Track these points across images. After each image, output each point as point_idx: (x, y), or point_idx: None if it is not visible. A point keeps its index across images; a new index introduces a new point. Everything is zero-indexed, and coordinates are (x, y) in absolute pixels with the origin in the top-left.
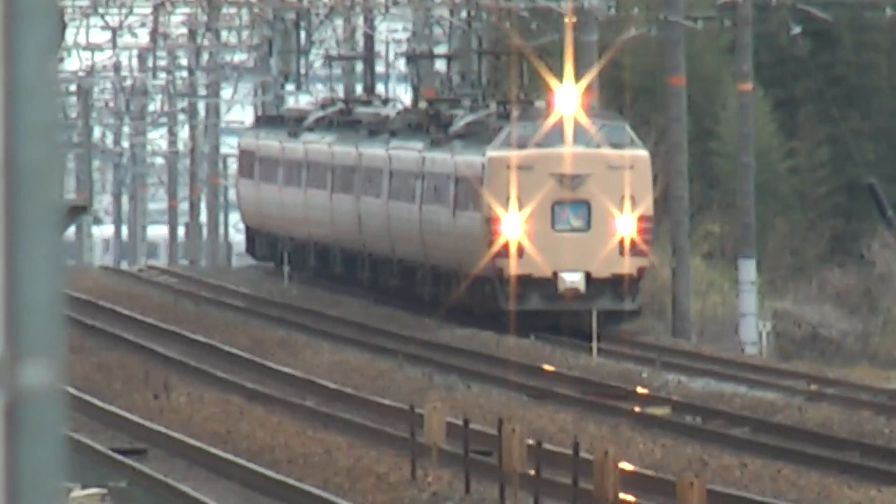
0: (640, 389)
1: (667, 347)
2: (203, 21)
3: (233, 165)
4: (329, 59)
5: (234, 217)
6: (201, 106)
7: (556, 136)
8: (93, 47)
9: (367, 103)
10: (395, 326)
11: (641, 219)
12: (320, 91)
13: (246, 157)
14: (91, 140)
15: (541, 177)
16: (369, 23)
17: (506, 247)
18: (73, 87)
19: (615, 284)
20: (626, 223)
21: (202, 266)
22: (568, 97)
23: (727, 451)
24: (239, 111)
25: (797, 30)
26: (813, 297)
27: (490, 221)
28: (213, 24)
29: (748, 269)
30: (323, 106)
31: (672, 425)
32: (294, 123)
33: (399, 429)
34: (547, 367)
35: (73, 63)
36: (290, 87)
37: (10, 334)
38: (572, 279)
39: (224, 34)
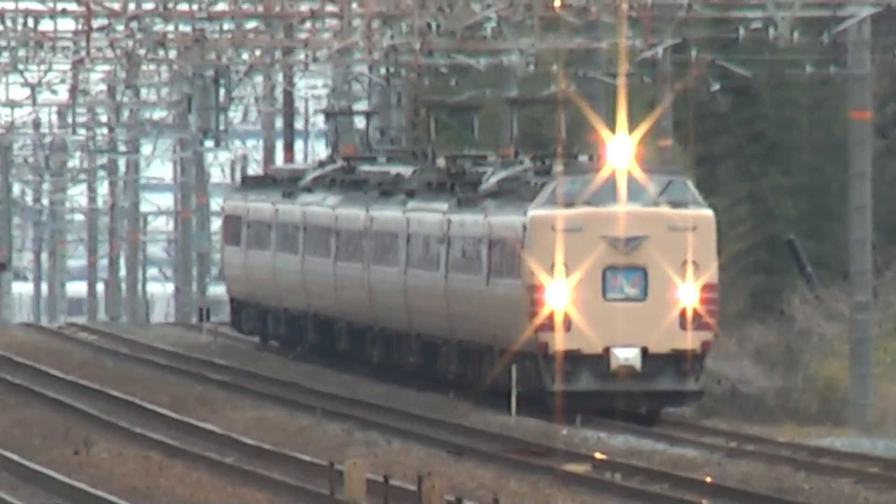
0: (560, 446)
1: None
2: (122, 78)
3: (153, 222)
4: (328, 115)
5: (153, 272)
6: (121, 162)
7: (608, 192)
8: (12, 104)
9: (372, 160)
10: (315, 383)
11: (705, 287)
12: (238, 148)
13: (232, 222)
14: (11, 197)
15: (591, 239)
16: (289, 79)
17: (551, 318)
18: None
19: (676, 361)
20: (688, 292)
21: (122, 322)
22: (622, 149)
23: None
24: (159, 167)
25: (717, 86)
26: (733, 353)
27: (532, 290)
28: (133, 80)
29: None
30: (321, 164)
31: (592, 482)
32: (288, 184)
33: (319, 485)
34: (466, 423)
35: None
36: (209, 143)
37: None
38: (626, 356)
39: (143, 91)
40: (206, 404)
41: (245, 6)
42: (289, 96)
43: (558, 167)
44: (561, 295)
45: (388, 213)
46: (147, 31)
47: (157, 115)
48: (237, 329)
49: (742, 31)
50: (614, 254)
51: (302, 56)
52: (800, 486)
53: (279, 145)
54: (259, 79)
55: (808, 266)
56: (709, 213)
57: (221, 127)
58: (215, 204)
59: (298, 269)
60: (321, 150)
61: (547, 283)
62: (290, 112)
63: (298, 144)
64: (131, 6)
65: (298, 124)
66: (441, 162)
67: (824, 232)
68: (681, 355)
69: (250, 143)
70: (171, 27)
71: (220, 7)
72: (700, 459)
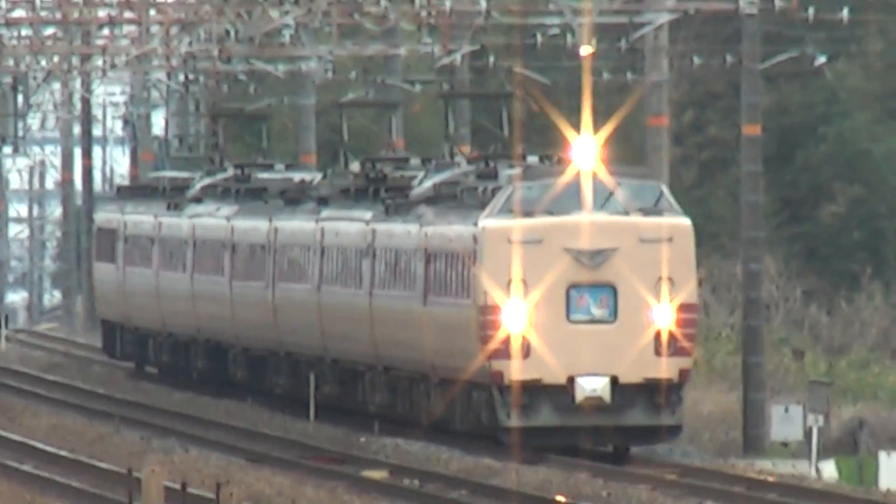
0: (358, 453)
1: (381, 414)
2: None
3: None
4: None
5: None
6: None
7: (572, 199)
8: None
9: (269, 167)
10: (113, 390)
11: (683, 307)
12: (36, 154)
13: (105, 236)
14: None
15: (552, 253)
16: (87, 86)
17: (507, 343)
18: None
19: (649, 392)
20: (663, 313)
21: None
22: (586, 149)
23: None
24: None
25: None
26: None
27: (485, 311)
28: None
29: None
30: (209, 172)
31: (390, 488)
32: (173, 194)
33: (117, 493)
34: (265, 431)
35: None
36: (7, 149)
37: None
38: (594, 386)
39: None
40: (4, 412)
41: (43, 13)
42: (87, 103)
43: (508, 170)
44: (518, 317)
45: (297, 224)
46: None
47: None
48: (109, 354)
49: (540, 38)
50: (579, 269)
51: (100, 63)
52: (598, 492)
53: (77, 152)
54: (57, 85)
55: None
56: (686, 222)
57: (20, 133)
58: (14, 210)
59: (187, 289)
60: (119, 156)
61: (502, 303)
62: (88, 119)
63: (97, 151)
64: None
65: (97, 131)
66: (355, 166)
67: None
68: (655, 385)
69: (49, 149)
70: None
71: (18, 13)
72: (497, 466)
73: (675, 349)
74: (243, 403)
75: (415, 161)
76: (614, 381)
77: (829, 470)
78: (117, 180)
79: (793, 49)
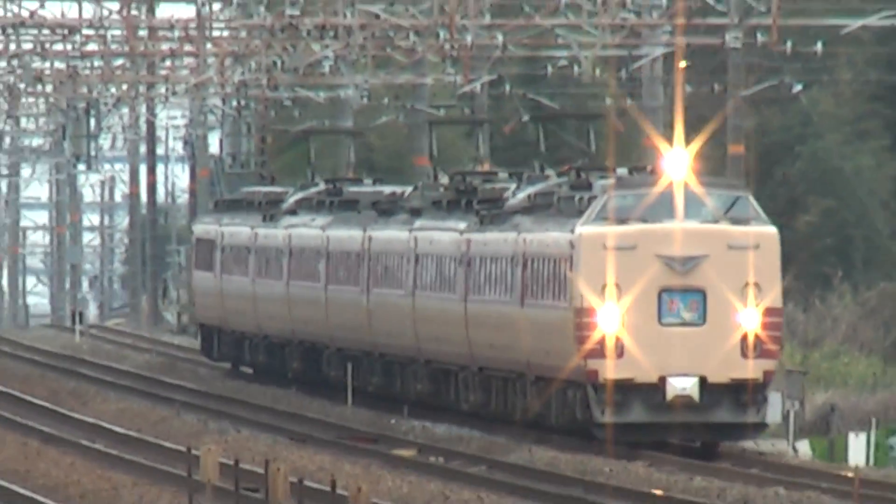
0: (389, 433)
1: (412, 399)
2: (4, 109)
3: (31, 236)
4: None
5: (31, 282)
6: (3, 184)
7: (664, 208)
8: None
9: (358, 181)
10: (174, 377)
11: (768, 311)
12: (107, 170)
13: (203, 246)
14: None
15: (645, 259)
16: (151, 111)
17: (602, 344)
18: None
19: (736, 392)
20: (749, 317)
21: (3, 326)
22: (678, 161)
23: (466, 487)
24: (36, 188)
25: (527, 117)
26: None
27: (581, 313)
28: (13, 111)
29: None
30: (302, 187)
31: (418, 465)
32: (268, 207)
33: (178, 468)
34: (309, 414)
35: None
36: (81, 166)
37: None
38: (683, 385)
39: (23, 121)
40: (78, 397)
41: (113, 46)
42: (151, 126)
43: (602, 181)
44: (613, 319)
45: (391, 234)
46: (26, 68)
47: (36, 142)
48: (206, 356)
49: (550, 69)
50: (670, 275)
51: (163, 90)
52: (601, 468)
53: (143, 168)
54: (125, 110)
55: None
56: (772, 230)
57: (92, 153)
58: (87, 220)
59: (283, 294)
60: (179, 172)
61: (598, 306)
62: (152, 139)
63: (160, 168)
64: (12, 46)
65: (160, 150)
66: (444, 179)
67: None
68: (741, 385)
69: (118, 166)
70: (47, 64)
71: (91, 47)
72: (512, 445)
73: (761, 351)
74: (288, 389)
75: (502, 175)
76: (703, 381)
77: (804, 448)
78: (178, 194)
79: (772, 78)
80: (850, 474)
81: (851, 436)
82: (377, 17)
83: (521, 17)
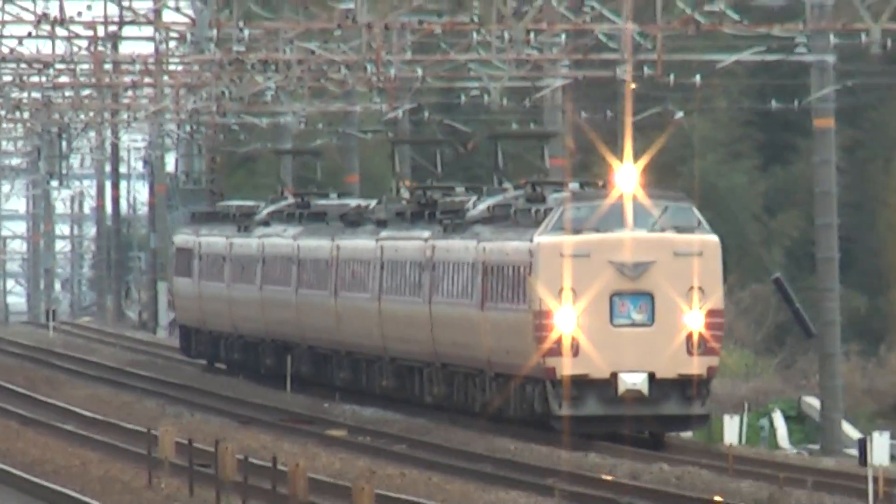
0: (323, 416)
1: (340, 387)
2: None
3: (10, 244)
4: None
5: (10, 284)
6: None
7: (615, 218)
8: None
9: (324, 195)
10: (137, 367)
11: (711, 313)
12: (76, 186)
13: (182, 255)
14: None
15: (598, 265)
16: (115, 134)
17: (559, 343)
18: None
19: (682, 386)
20: (694, 318)
21: None
22: (628, 175)
23: (391, 464)
24: (15, 201)
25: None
26: None
27: (540, 315)
28: None
29: None
30: (272, 201)
31: (348, 444)
32: (241, 219)
33: (139, 447)
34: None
35: None
36: (54, 183)
37: None
38: (634, 381)
39: (3, 143)
40: (52, 384)
41: (82, 78)
42: (115, 147)
43: (556, 194)
44: (569, 320)
45: (358, 242)
46: (6, 98)
47: (15, 161)
48: (185, 353)
49: (463, 98)
50: (621, 280)
51: (125, 116)
52: (507, 446)
53: (108, 185)
54: (92, 134)
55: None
56: (714, 238)
57: (64, 171)
58: (59, 230)
59: (256, 297)
60: (140, 188)
61: (555, 309)
62: (116, 159)
63: (123, 184)
64: None
65: (123, 169)
66: (405, 193)
67: None
68: (687, 380)
69: (86, 182)
70: (25, 94)
71: (63, 79)
72: (431, 426)
73: (705, 349)
74: (235, 378)
75: (459, 189)
76: (652, 377)
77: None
78: (139, 207)
79: (657, 106)
80: (725, 452)
81: (727, 418)
82: (313, 52)
83: (438, 53)
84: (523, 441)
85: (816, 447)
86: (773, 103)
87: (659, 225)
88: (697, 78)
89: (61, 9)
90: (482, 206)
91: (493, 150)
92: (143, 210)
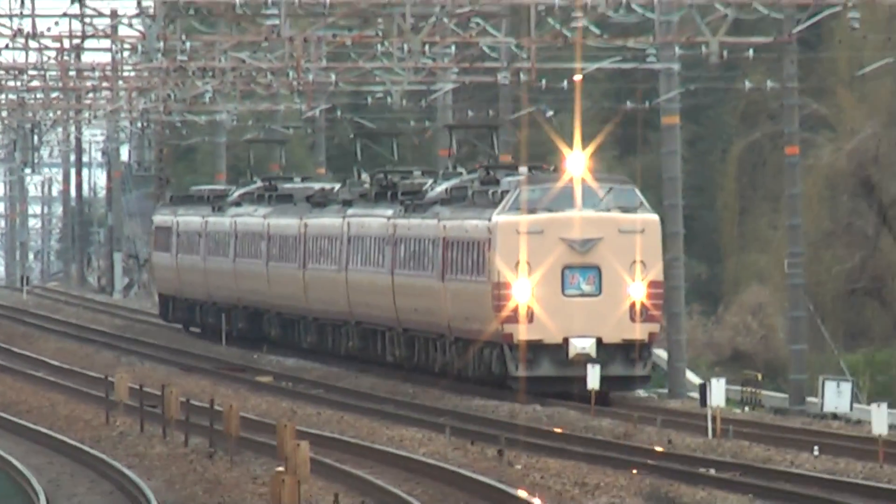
0: (253, 365)
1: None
2: None
3: None
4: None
5: None
6: None
7: (566, 200)
8: None
9: (289, 179)
10: (97, 324)
11: (652, 284)
12: (46, 173)
13: (161, 232)
14: None
15: (551, 241)
16: (79, 130)
17: (516, 311)
18: None
19: (626, 350)
20: (637, 288)
21: None
22: (577, 160)
23: (309, 405)
24: None
25: (352, 135)
26: None
27: (499, 286)
28: None
29: None
30: (242, 184)
31: (273, 388)
32: (215, 200)
33: (98, 390)
34: (193, 351)
35: None
36: (27, 171)
37: None
38: (583, 345)
39: None
40: (26, 339)
41: (51, 83)
42: (78, 141)
43: (509, 177)
44: (525, 291)
45: (325, 220)
46: None
47: None
48: (164, 318)
49: (370, 99)
50: (572, 254)
51: (87, 115)
52: (406, 390)
53: (72, 172)
54: (60, 129)
55: None
56: (655, 217)
57: (36, 160)
58: (32, 209)
59: (230, 269)
60: (100, 175)
61: (512, 280)
62: (79, 150)
63: (85, 171)
64: None
65: (85, 158)
66: (365, 177)
67: None
68: (631, 345)
69: (54, 170)
70: (3, 96)
71: (35, 83)
72: (343, 374)
73: (647, 316)
74: (179, 331)
75: (416, 173)
76: (599, 341)
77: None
78: (98, 191)
79: (532, 106)
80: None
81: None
82: (244, 61)
83: (349, 62)
84: (421, 386)
85: (665, 391)
86: (628, 104)
87: (605, 205)
88: (565, 83)
89: (34, 25)
90: (440, 188)
91: (448, 139)
92: (102, 193)
